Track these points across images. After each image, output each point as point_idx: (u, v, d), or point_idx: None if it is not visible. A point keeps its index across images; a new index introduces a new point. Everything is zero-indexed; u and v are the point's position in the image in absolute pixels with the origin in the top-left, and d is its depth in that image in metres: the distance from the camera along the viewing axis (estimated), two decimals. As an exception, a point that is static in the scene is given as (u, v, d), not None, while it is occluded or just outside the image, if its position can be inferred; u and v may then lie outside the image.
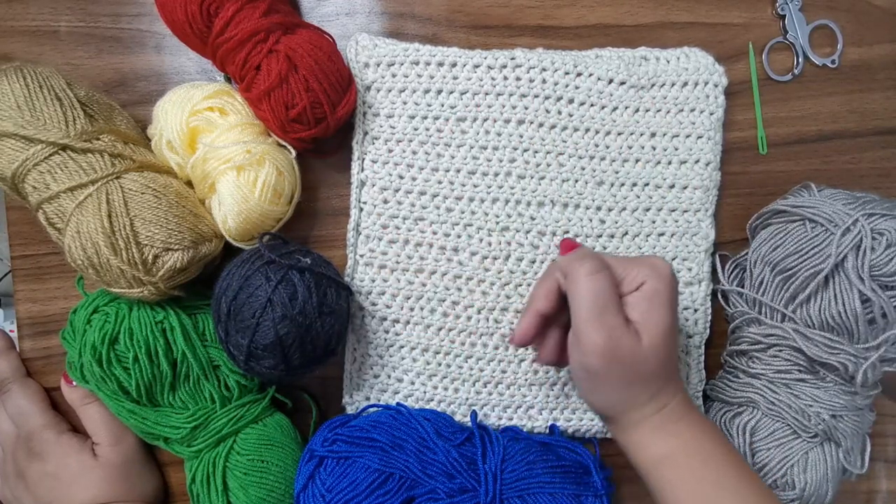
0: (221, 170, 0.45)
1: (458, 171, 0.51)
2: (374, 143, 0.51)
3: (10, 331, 0.57)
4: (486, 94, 0.51)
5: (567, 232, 0.51)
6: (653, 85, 0.52)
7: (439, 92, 0.51)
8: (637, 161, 0.52)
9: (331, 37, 0.47)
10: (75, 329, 0.47)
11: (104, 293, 0.47)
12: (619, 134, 0.51)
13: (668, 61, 0.52)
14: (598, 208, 0.51)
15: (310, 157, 0.51)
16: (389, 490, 0.44)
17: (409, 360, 0.51)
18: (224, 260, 0.48)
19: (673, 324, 0.42)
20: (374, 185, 0.51)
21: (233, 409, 0.47)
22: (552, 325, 0.46)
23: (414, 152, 0.51)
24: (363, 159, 0.51)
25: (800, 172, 0.54)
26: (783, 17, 0.53)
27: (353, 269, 0.51)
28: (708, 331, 0.52)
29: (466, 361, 0.51)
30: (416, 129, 0.51)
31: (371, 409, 0.51)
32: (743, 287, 0.51)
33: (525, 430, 0.52)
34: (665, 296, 0.41)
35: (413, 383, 0.51)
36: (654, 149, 0.52)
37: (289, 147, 0.48)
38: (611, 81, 0.51)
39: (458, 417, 0.51)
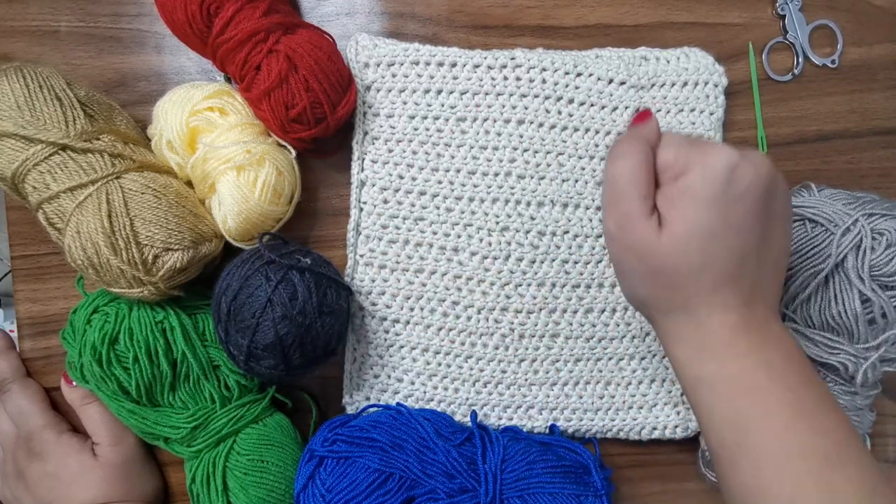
0: (221, 170, 0.45)
1: (458, 171, 0.51)
2: (374, 143, 0.51)
3: (10, 331, 0.57)
4: (486, 94, 0.51)
5: (567, 232, 0.51)
6: (653, 85, 0.52)
7: (439, 92, 0.51)
8: (637, 161, 0.51)
9: (331, 37, 0.47)
10: (75, 329, 0.47)
11: (104, 293, 0.47)
12: (619, 134, 0.51)
13: (668, 61, 0.52)
14: (598, 208, 0.51)
15: (310, 157, 0.51)
16: (389, 490, 0.44)
17: (409, 360, 0.51)
18: (224, 260, 0.48)
19: (711, 226, 0.35)
20: (374, 185, 0.51)
21: (233, 409, 0.47)
22: None
23: (414, 152, 0.51)
24: (363, 159, 0.51)
25: (800, 172, 0.54)
26: (783, 17, 0.53)
27: (353, 269, 0.51)
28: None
29: (466, 361, 0.51)
30: (416, 129, 0.51)
31: (371, 409, 0.51)
32: (743, 287, 0.51)
33: (525, 430, 0.52)
34: (703, 193, 0.35)
35: (413, 383, 0.51)
36: (654, 149, 0.52)
37: (289, 147, 0.48)
38: (611, 81, 0.51)
39: (458, 417, 0.51)
